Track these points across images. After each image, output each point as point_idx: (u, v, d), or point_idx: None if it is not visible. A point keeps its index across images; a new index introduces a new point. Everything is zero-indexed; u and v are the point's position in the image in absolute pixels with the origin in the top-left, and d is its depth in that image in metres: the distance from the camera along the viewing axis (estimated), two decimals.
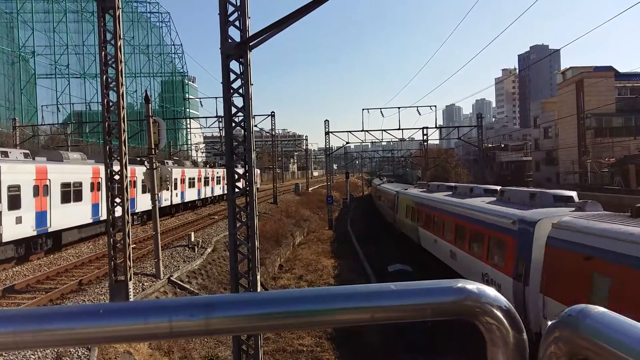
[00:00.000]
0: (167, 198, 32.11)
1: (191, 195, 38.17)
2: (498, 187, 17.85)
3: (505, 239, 12.53)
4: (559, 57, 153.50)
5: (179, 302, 1.10)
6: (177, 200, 34.82)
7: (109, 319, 1.05)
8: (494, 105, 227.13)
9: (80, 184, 22.24)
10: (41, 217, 19.38)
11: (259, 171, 79.13)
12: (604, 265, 8.46)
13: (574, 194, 13.60)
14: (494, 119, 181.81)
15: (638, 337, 0.83)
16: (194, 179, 38.66)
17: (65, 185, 21.14)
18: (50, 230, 20.00)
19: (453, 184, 26.12)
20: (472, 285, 1.08)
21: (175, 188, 33.87)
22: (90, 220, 23.14)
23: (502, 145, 78.73)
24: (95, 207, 23.28)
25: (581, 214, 10.86)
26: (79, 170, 22.53)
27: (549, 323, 1.00)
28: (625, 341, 0.83)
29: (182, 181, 35.64)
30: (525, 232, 11.51)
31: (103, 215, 21.89)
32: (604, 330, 0.88)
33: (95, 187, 23.29)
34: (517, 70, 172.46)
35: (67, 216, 21.10)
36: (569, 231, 9.78)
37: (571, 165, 46.83)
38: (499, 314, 1.06)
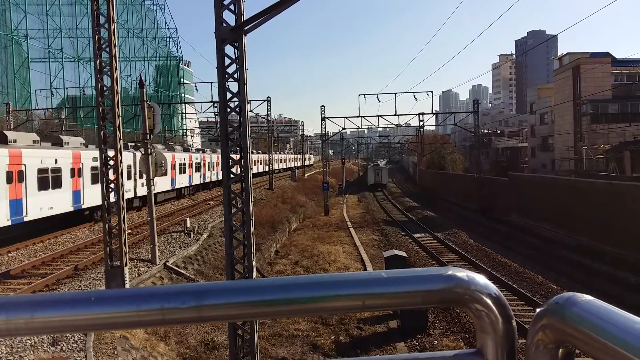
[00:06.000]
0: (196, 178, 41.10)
1: (212, 177, 45.69)
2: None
3: None
4: (556, 42, 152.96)
5: (170, 289, 1.11)
6: (199, 181, 42.30)
7: (101, 306, 1.06)
8: (490, 91, 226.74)
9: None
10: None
11: (312, 156, 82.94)
12: None
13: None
14: (490, 105, 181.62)
15: (623, 325, 0.84)
16: (214, 163, 45.22)
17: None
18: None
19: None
20: (462, 273, 1.09)
21: (198, 170, 41.45)
22: (170, 188, 33.71)
23: (498, 132, 78.77)
24: (172, 181, 33.51)
25: None
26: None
27: (538, 310, 1.01)
28: (610, 329, 0.84)
29: (204, 165, 42.83)
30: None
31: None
32: (590, 319, 0.89)
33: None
34: (514, 56, 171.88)
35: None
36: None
37: (567, 151, 46.90)
38: (488, 301, 1.07)
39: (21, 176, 18.78)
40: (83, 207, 23.14)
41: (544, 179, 34.81)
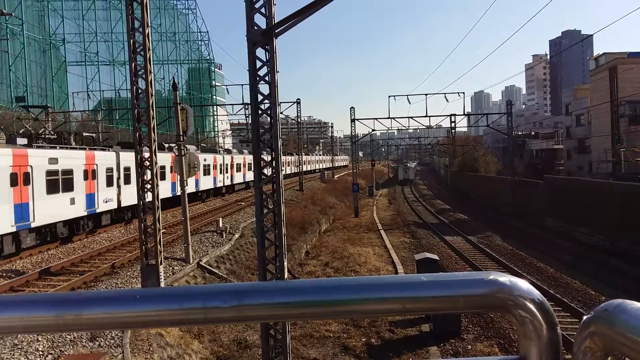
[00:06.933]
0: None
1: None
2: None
3: None
4: (592, 42, 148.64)
5: (212, 288, 1.13)
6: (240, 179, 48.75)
7: (146, 304, 1.08)
8: (524, 92, 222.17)
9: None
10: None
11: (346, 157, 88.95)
12: None
13: None
14: (524, 106, 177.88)
15: None
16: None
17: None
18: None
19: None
20: (505, 278, 1.07)
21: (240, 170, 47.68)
22: (242, 181, 45.77)
23: (533, 133, 77.06)
24: (244, 176, 45.64)
25: None
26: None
27: (585, 317, 0.99)
28: None
29: (244, 165, 47.79)
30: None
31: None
32: None
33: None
34: (548, 56, 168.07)
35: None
36: None
37: (604, 154, 45.56)
38: (531, 306, 1.05)
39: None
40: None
41: (580, 182, 33.92)
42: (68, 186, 19.70)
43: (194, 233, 21.49)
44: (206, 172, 36.11)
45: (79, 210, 20.56)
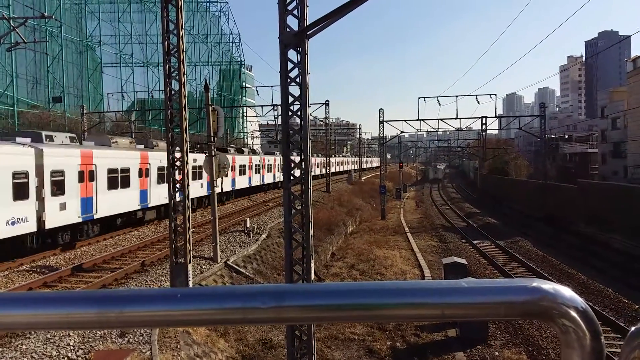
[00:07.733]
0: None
1: (317, 172, 62.48)
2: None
3: None
4: (630, 44, 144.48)
5: (251, 289, 1.14)
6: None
7: (187, 303, 1.10)
8: (558, 94, 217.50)
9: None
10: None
11: (376, 158, 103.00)
12: None
13: None
14: (557, 109, 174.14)
15: None
16: (318, 163, 63.27)
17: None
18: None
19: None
20: (548, 285, 1.05)
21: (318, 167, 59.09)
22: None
23: (566, 136, 75.35)
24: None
25: None
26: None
27: (632, 329, 0.96)
28: None
29: (315, 165, 57.64)
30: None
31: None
32: None
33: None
34: (584, 58, 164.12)
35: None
36: None
37: None
38: (575, 315, 1.02)
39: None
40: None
41: (615, 187, 32.98)
42: (200, 176, 30.20)
43: (222, 233, 21.73)
44: (269, 170, 46.71)
45: (204, 191, 30.86)
